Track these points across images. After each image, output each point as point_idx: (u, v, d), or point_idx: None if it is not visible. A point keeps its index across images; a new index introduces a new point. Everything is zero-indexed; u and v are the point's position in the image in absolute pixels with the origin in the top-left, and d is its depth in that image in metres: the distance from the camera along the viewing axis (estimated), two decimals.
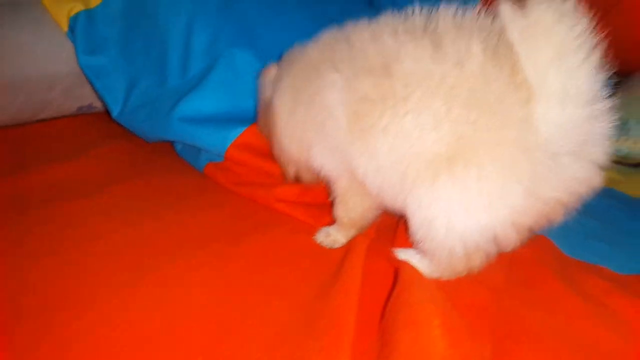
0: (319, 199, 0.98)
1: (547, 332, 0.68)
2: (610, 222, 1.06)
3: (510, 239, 0.68)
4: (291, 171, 0.94)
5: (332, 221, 0.90)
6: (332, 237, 0.88)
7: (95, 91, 1.21)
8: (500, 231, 0.67)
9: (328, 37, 0.83)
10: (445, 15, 0.68)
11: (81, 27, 1.19)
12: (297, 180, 0.95)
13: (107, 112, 1.26)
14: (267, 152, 0.97)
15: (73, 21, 1.19)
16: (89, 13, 1.20)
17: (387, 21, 0.74)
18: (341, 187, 0.85)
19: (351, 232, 0.88)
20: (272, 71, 0.93)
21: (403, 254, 0.79)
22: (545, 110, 0.61)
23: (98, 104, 1.34)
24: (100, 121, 1.32)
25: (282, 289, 0.73)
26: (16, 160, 1.07)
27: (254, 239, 0.85)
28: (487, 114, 0.63)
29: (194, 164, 1.11)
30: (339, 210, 0.87)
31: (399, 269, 0.76)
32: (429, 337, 0.57)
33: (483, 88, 0.64)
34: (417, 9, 0.71)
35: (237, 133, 1.02)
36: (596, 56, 0.60)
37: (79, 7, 1.20)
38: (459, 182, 0.65)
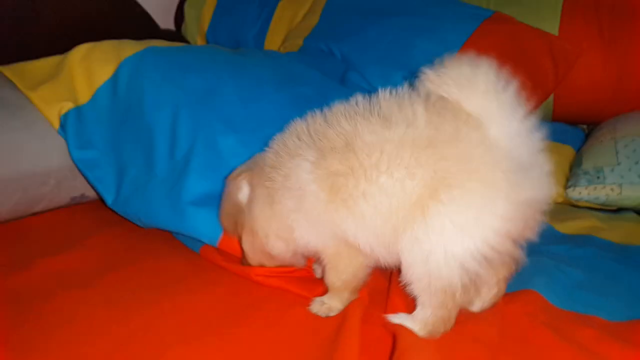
0: (311, 272, 1.02)
1: None
2: (596, 270, 1.10)
3: (505, 250, 0.77)
4: (256, 263, 1.01)
5: (325, 291, 0.93)
6: (327, 304, 0.91)
7: (89, 182, 1.26)
8: (495, 242, 0.75)
9: (289, 131, 0.92)
10: (384, 95, 0.82)
11: (72, 124, 1.26)
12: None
13: (100, 201, 1.31)
14: None
15: (64, 119, 1.26)
16: (78, 111, 1.27)
17: (339, 109, 0.86)
18: (329, 255, 0.90)
19: (345, 296, 0.91)
20: (246, 176, 0.97)
21: (396, 319, 0.83)
22: (496, 129, 0.76)
23: (90, 194, 1.38)
24: (92, 210, 1.36)
25: None
26: (14, 254, 1.10)
27: (252, 316, 0.88)
28: (451, 146, 0.76)
29: (190, 245, 1.14)
30: (331, 276, 0.91)
31: (396, 335, 0.79)
32: None
33: (438, 133, 0.76)
34: (359, 96, 0.86)
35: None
36: (512, 87, 0.77)
37: (68, 106, 1.27)
38: (447, 204, 0.74)
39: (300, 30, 1.82)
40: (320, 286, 0.96)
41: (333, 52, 1.67)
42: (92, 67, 1.30)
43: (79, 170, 1.26)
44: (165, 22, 2.30)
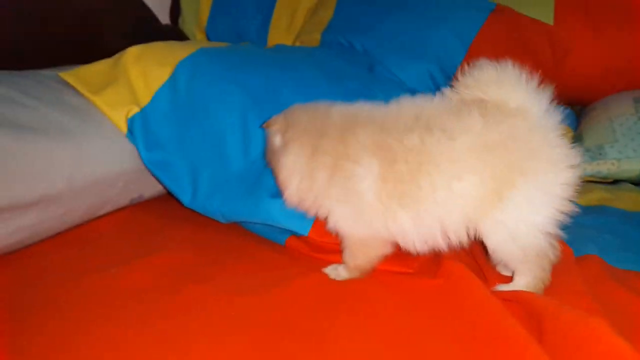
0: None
1: None
2: (624, 235, 1.29)
3: (570, 211, 0.94)
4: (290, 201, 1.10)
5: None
6: (338, 272, 1.06)
7: (162, 184, 1.32)
8: (563, 206, 0.93)
9: (341, 116, 1.04)
10: (435, 105, 0.99)
11: (139, 127, 1.31)
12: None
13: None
14: None
15: (131, 123, 1.31)
16: (143, 113, 1.32)
17: (396, 118, 0.98)
18: (353, 242, 1.04)
19: (355, 274, 1.05)
20: (277, 124, 1.10)
21: (504, 287, 0.98)
22: (535, 116, 0.93)
23: (147, 194, 1.44)
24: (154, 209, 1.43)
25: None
26: (108, 255, 1.16)
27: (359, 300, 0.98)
28: (511, 142, 0.92)
29: (274, 238, 1.24)
30: (347, 257, 1.05)
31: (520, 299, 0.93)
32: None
33: (498, 134, 0.92)
34: (407, 104, 1.01)
35: (311, 220, 1.16)
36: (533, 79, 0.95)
37: (135, 109, 1.32)
38: (520, 187, 0.91)
39: (315, 25, 1.91)
40: (415, 261, 1.09)
41: (354, 45, 1.78)
42: (148, 69, 1.35)
43: (151, 172, 1.31)
44: (160, 16, 2.31)
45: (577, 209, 0.95)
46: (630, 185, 1.70)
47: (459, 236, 0.96)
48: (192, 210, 1.30)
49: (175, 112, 1.34)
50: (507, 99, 0.95)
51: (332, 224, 1.04)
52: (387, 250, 1.05)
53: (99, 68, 1.38)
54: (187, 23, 2.30)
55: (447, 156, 0.92)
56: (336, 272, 1.07)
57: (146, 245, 1.20)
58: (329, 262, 1.12)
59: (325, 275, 1.07)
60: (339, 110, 1.06)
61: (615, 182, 1.73)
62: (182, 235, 1.27)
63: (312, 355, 0.78)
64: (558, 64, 1.84)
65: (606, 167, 1.66)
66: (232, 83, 1.33)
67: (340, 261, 1.10)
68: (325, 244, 1.17)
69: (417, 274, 1.06)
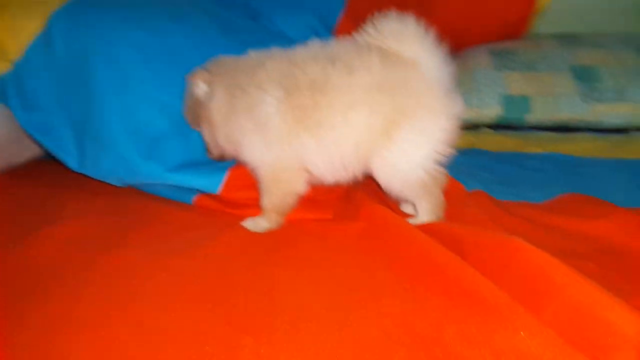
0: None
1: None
2: (495, 172, 1.46)
3: (448, 154, 1.05)
4: (217, 153, 1.17)
5: None
6: (257, 222, 1.09)
7: (45, 148, 1.20)
8: (441, 149, 1.04)
9: (256, 58, 1.11)
10: (340, 44, 1.07)
11: (11, 86, 1.17)
12: (221, 157, 1.17)
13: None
14: (253, 184, 1.13)
15: (1, 82, 1.16)
16: (15, 70, 1.17)
17: (302, 52, 1.07)
18: (267, 175, 1.08)
19: (273, 217, 1.09)
20: (202, 75, 1.12)
21: (412, 220, 1.08)
22: (429, 67, 1.03)
23: (19, 160, 1.30)
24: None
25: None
26: None
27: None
28: (402, 86, 1.02)
29: (178, 197, 1.20)
30: (265, 199, 1.10)
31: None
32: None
33: (393, 77, 1.02)
34: (315, 42, 1.09)
35: (220, 178, 1.17)
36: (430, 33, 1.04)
37: (5, 66, 1.16)
38: (404, 128, 1.01)
39: None
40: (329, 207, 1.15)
41: None
42: (14, 21, 1.20)
43: (31, 135, 1.18)
44: None
45: (453, 151, 1.07)
46: (488, 129, 1.91)
47: (354, 167, 1.06)
48: (80, 176, 1.21)
49: (53, 69, 1.21)
50: (405, 50, 1.03)
51: (246, 157, 1.08)
52: (300, 185, 1.09)
53: None
54: None
55: (345, 88, 1.01)
56: (255, 223, 1.08)
57: (37, 217, 1.09)
58: (243, 217, 1.12)
59: (246, 229, 1.07)
60: (256, 52, 1.12)
61: (475, 127, 1.92)
62: (77, 203, 1.18)
63: (267, 308, 0.79)
64: (424, 15, 1.96)
65: (469, 114, 1.84)
66: (119, 37, 1.22)
67: (254, 214, 1.11)
68: (237, 199, 1.16)
69: (337, 219, 1.10)
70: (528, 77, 1.87)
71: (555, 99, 1.82)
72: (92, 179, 1.22)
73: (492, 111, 1.84)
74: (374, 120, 1.01)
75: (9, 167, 1.27)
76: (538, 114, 1.83)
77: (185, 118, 1.18)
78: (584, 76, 1.85)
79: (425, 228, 0.98)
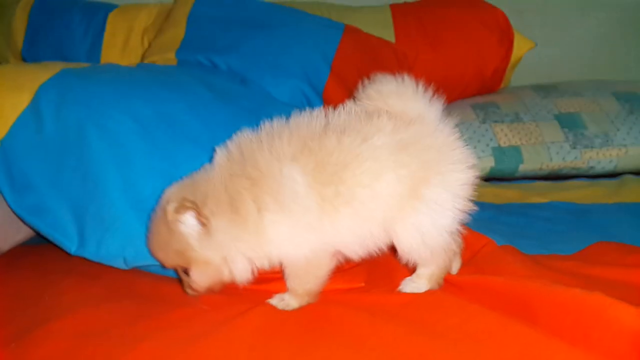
0: None
1: None
2: (508, 224, 1.44)
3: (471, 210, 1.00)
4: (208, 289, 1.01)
5: None
6: (286, 302, 0.99)
7: (39, 232, 1.09)
8: (466, 206, 0.98)
9: (254, 144, 0.98)
10: (341, 111, 0.99)
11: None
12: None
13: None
14: None
15: None
16: (1, 148, 1.08)
17: (303, 124, 0.98)
18: (299, 265, 0.98)
19: (305, 300, 1.00)
20: (182, 212, 0.93)
21: (407, 287, 1.03)
22: (433, 122, 0.99)
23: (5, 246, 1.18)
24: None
25: None
26: None
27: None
28: (419, 144, 0.96)
29: None
30: (294, 284, 1.00)
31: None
32: None
33: (406, 136, 0.96)
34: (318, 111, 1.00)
35: None
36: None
37: None
38: (431, 189, 0.94)
39: (166, 44, 1.78)
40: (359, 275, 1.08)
41: (216, 64, 1.69)
42: (5, 94, 1.14)
43: (23, 219, 1.08)
44: None
45: (475, 207, 1.01)
46: (483, 181, 1.91)
47: (381, 239, 0.98)
48: (72, 259, 1.10)
49: (43, 145, 1.12)
50: (407, 108, 1.00)
51: (275, 254, 0.97)
52: (330, 266, 1.00)
53: None
54: None
55: (363, 156, 0.93)
56: (284, 302, 0.99)
57: (38, 309, 0.98)
58: (268, 293, 1.04)
59: (274, 307, 0.99)
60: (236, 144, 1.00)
61: None
62: (79, 290, 1.06)
63: None
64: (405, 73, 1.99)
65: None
66: (114, 108, 1.16)
67: (280, 289, 1.03)
68: (259, 272, 1.08)
69: (371, 288, 1.04)
70: (515, 128, 1.91)
71: (545, 147, 1.85)
72: (86, 261, 1.11)
73: (485, 163, 1.85)
74: (402, 182, 0.94)
75: None
76: (530, 163, 1.85)
77: (155, 256, 0.99)
78: (570, 123, 1.89)
79: (482, 286, 0.92)
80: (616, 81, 2.09)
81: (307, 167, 0.93)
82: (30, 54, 1.98)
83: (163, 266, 1.00)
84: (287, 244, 0.96)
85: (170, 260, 0.97)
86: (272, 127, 0.99)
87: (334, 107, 1.01)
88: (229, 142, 1.01)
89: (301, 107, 1.53)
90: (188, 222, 0.92)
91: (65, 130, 1.13)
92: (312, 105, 1.53)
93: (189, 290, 0.99)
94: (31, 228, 1.13)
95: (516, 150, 1.85)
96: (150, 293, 1.06)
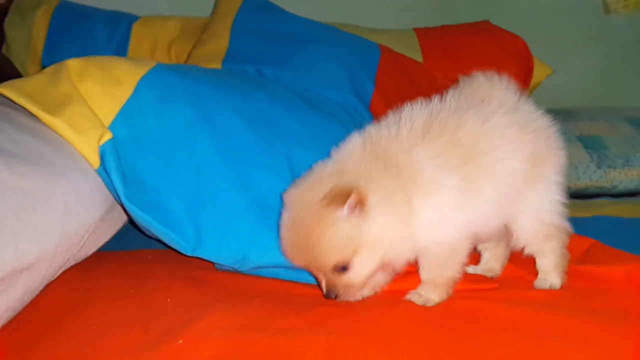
0: None
1: None
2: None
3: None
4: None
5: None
6: (424, 297, 0.99)
7: (151, 231, 1.05)
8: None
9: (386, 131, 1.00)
10: (452, 97, 1.07)
11: (112, 158, 1.02)
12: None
13: None
14: None
15: (103, 152, 1.01)
16: (113, 140, 1.04)
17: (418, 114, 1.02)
18: (441, 251, 0.98)
19: (444, 291, 0.99)
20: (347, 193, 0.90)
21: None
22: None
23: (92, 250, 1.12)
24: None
25: None
26: None
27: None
28: (531, 124, 1.04)
29: (306, 279, 1.08)
30: (434, 274, 1.00)
31: None
32: None
33: (520, 116, 1.04)
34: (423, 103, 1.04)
35: None
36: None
37: (108, 135, 1.03)
38: (550, 167, 1.05)
39: (210, 55, 1.77)
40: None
41: (265, 76, 1.71)
42: (100, 88, 1.09)
43: (135, 217, 1.03)
44: None
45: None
46: None
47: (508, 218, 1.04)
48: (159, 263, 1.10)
49: (148, 139, 1.09)
50: (502, 98, 1.06)
51: (422, 240, 0.95)
52: (469, 251, 1.01)
53: (38, 82, 1.04)
54: (15, 51, 1.90)
55: (491, 134, 0.98)
56: (423, 297, 0.99)
57: (173, 310, 0.93)
58: (399, 290, 1.03)
59: (411, 303, 0.99)
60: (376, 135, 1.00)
61: None
62: (198, 292, 1.01)
63: None
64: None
65: None
66: (220, 105, 1.15)
67: (411, 285, 1.03)
68: None
69: (506, 286, 1.06)
70: None
71: (573, 167, 1.97)
72: (180, 264, 1.11)
73: None
74: (527, 160, 1.00)
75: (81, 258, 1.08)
76: None
77: (325, 263, 0.92)
78: (593, 145, 2.03)
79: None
80: (624, 108, 2.27)
81: (439, 149, 0.95)
82: (50, 61, 1.89)
83: (301, 267, 0.98)
84: (434, 228, 0.95)
85: (332, 256, 0.91)
86: (389, 120, 1.03)
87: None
88: (355, 136, 1.01)
89: (356, 120, 1.59)
90: (350, 208, 0.90)
91: (171, 125, 1.11)
92: (363, 119, 1.60)
93: (341, 291, 0.95)
94: (142, 229, 1.07)
95: None
96: (274, 292, 1.04)
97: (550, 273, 1.06)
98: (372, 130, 1.01)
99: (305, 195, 0.94)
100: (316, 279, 0.99)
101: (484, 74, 1.12)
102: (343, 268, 0.93)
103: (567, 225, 1.08)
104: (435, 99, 1.06)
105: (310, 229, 0.91)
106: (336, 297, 0.95)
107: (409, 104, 1.04)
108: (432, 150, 0.96)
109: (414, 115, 1.01)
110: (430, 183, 0.95)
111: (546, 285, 1.05)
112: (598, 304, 0.93)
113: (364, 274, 0.95)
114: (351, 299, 0.98)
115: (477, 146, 0.97)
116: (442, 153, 0.96)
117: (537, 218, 1.04)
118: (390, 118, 1.04)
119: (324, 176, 0.97)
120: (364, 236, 0.92)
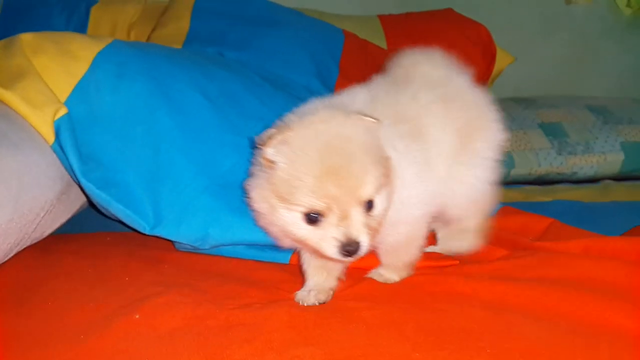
0: None
1: None
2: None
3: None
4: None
5: None
6: (385, 276, 1.00)
7: (107, 210, 1.04)
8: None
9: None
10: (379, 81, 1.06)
11: (67, 134, 1.01)
12: None
13: None
14: None
15: (58, 127, 1.00)
16: (69, 115, 1.03)
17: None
18: (405, 231, 0.97)
19: (404, 272, 1.00)
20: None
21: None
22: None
23: (49, 230, 1.10)
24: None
25: None
26: None
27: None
28: (460, 99, 1.05)
29: (271, 259, 1.09)
30: (395, 259, 1.00)
31: None
32: None
33: (450, 90, 1.05)
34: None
35: None
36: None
37: (63, 110, 1.01)
38: (477, 141, 1.05)
39: (170, 37, 1.75)
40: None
41: (226, 56, 1.69)
42: (55, 62, 1.08)
43: (91, 196, 1.01)
44: None
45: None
46: None
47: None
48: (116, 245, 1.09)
49: (104, 115, 1.08)
50: (438, 74, 1.06)
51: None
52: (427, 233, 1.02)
53: None
54: None
55: (420, 112, 0.98)
56: (383, 277, 1.00)
57: (135, 287, 0.93)
58: (358, 268, 1.03)
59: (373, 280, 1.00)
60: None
61: None
62: (157, 272, 1.01)
63: None
64: None
65: None
66: (181, 82, 1.15)
67: (372, 263, 1.03)
68: None
69: (467, 262, 1.08)
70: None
71: (534, 153, 2.02)
72: (138, 245, 1.11)
73: None
74: (455, 135, 1.01)
75: (38, 238, 1.07)
76: (521, 168, 2.01)
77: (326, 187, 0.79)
78: (554, 132, 2.08)
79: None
80: (584, 96, 2.33)
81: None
82: None
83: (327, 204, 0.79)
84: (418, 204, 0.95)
85: (369, 184, 0.81)
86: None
87: None
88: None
89: None
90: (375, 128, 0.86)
91: (128, 101, 1.10)
92: None
93: (362, 236, 0.81)
94: (100, 208, 1.06)
95: (508, 155, 2.00)
96: (234, 271, 1.04)
97: (468, 233, 1.10)
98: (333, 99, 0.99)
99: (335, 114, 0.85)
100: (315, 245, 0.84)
101: (410, 51, 1.12)
102: (369, 204, 0.83)
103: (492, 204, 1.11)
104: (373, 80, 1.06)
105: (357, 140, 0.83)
106: (352, 253, 0.81)
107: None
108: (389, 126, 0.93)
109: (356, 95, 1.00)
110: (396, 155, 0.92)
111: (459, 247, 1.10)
112: (556, 275, 0.96)
113: (383, 211, 0.86)
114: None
115: (416, 122, 0.97)
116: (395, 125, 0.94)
117: (468, 193, 1.05)
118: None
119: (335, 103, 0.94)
120: (392, 171, 0.87)
